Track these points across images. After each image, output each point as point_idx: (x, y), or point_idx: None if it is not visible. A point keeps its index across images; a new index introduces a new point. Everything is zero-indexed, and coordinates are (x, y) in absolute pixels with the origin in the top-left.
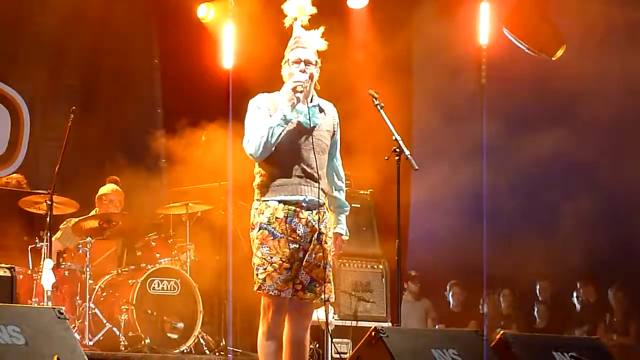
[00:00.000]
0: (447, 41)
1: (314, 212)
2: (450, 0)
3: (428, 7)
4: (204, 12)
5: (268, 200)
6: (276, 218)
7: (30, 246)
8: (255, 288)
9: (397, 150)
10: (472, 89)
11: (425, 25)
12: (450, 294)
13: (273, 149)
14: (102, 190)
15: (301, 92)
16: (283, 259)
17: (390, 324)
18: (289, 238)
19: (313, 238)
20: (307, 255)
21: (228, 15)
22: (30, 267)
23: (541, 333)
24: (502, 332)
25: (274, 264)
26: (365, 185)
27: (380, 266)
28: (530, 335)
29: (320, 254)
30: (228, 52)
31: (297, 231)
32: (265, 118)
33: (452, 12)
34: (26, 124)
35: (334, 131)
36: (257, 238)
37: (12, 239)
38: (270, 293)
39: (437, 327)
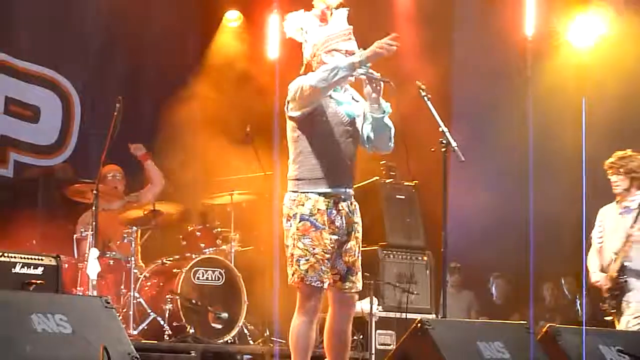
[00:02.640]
0: (492, 32)
1: (349, 203)
2: None
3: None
4: (233, 16)
5: (308, 192)
6: (318, 209)
7: (75, 235)
8: (296, 279)
9: (444, 141)
10: (516, 80)
11: (469, 15)
12: (494, 286)
13: (328, 93)
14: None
15: (383, 54)
16: (325, 251)
17: (434, 315)
18: (329, 229)
19: (350, 229)
20: (344, 245)
21: (273, 7)
22: (76, 256)
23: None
24: (548, 324)
25: (316, 255)
26: (409, 177)
27: (425, 257)
28: (576, 328)
29: (354, 242)
30: (274, 43)
31: (336, 222)
32: None
33: (496, 3)
34: (77, 113)
35: (363, 116)
36: (297, 229)
37: (57, 228)
38: (313, 284)
39: (480, 319)
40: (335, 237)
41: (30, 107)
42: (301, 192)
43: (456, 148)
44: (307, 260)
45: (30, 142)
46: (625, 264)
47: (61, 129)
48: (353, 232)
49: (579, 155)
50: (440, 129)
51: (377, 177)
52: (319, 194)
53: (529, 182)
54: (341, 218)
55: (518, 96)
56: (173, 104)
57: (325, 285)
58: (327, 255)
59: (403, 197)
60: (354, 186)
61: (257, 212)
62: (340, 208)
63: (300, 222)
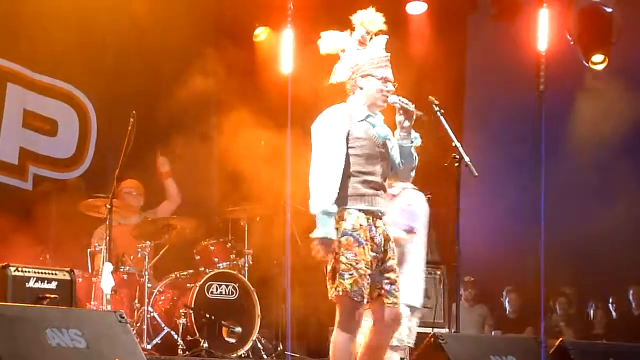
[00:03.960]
0: (505, 47)
1: (383, 220)
2: (508, 7)
3: (485, 13)
4: (258, 32)
5: (349, 208)
6: (360, 225)
7: (89, 249)
8: (339, 293)
9: (457, 156)
10: (529, 95)
11: (482, 31)
12: (507, 300)
13: None
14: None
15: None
16: (367, 266)
17: (447, 329)
18: (371, 245)
19: (387, 246)
20: (384, 262)
21: (287, 22)
22: (90, 271)
23: (600, 340)
24: (561, 339)
25: (359, 270)
26: (423, 191)
27: (438, 272)
28: (589, 342)
29: (394, 260)
30: (287, 58)
31: (375, 239)
32: (341, 153)
33: (509, 18)
34: (93, 127)
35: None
36: (340, 244)
37: (71, 242)
38: (355, 299)
39: (493, 333)
40: (374, 253)
41: (48, 120)
42: (342, 208)
43: (469, 163)
44: (350, 274)
45: (49, 155)
46: None
47: (78, 142)
48: (390, 250)
49: None
50: (454, 144)
51: None
52: (359, 210)
53: (540, 193)
54: (379, 235)
55: (531, 110)
56: (187, 118)
57: (366, 301)
58: (369, 272)
59: None
60: None
61: (271, 227)
62: (378, 225)
63: (343, 236)
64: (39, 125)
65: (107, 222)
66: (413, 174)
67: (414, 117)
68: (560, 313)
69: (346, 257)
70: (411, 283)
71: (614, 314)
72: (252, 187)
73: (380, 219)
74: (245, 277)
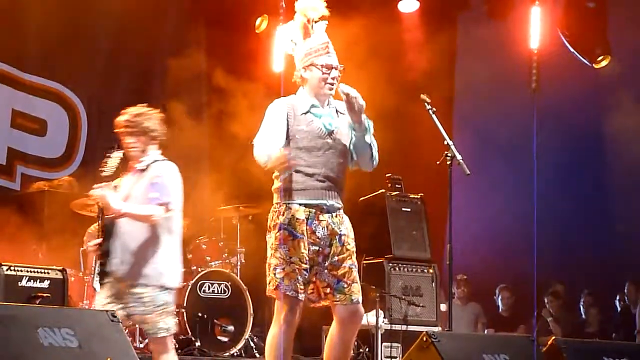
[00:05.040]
0: (497, 45)
1: (334, 214)
2: (500, 4)
3: (477, 11)
4: (258, 22)
5: (289, 203)
6: (296, 219)
7: (81, 248)
8: (272, 288)
9: (449, 155)
10: (521, 93)
11: (474, 29)
12: (499, 298)
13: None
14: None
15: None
16: (302, 260)
17: (440, 328)
18: (309, 239)
19: (334, 241)
20: (329, 257)
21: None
22: (82, 269)
23: (592, 338)
24: (553, 337)
25: (292, 265)
26: (415, 190)
27: (431, 270)
28: (581, 340)
29: (344, 255)
30: (279, 55)
31: (317, 233)
32: (281, 128)
33: (501, 16)
34: (84, 127)
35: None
36: (275, 239)
37: (64, 241)
38: (287, 293)
39: (486, 331)
40: (316, 247)
41: (37, 120)
42: (283, 203)
43: (461, 161)
44: (282, 269)
45: (38, 155)
46: None
47: (68, 142)
48: (339, 245)
49: None
50: (446, 142)
51: (383, 190)
52: (299, 204)
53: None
54: (323, 229)
55: (523, 108)
56: (179, 117)
57: (301, 297)
58: (305, 265)
59: (409, 209)
60: (361, 199)
61: (263, 225)
62: (322, 219)
63: (278, 231)
64: (28, 125)
65: (100, 221)
66: (374, 162)
67: (360, 105)
68: (553, 311)
69: (280, 252)
70: (168, 264)
71: (607, 312)
72: (244, 185)
73: (328, 212)
74: (237, 275)
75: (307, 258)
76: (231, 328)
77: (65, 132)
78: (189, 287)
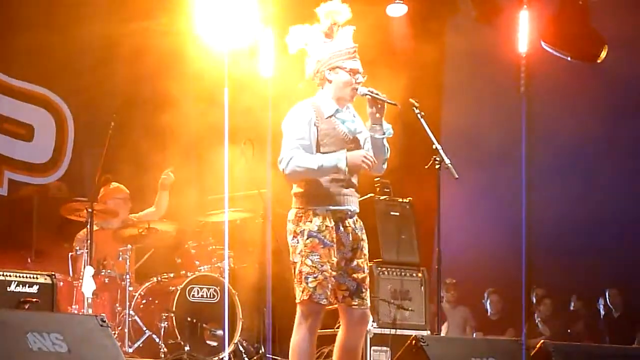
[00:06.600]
0: (485, 49)
1: (355, 219)
2: (489, 9)
3: (466, 16)
4: None
5: (315, 208)
6: (326, 226)
7: (70, 253)
8: (305, 297)
9: (437, 159)
10: (510, 97)
11: (463, 33)
12: (488, 301)
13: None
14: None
15: (364, 168)
16: (332, 268)
17: (429, 332)
18: (337, 246)
19: (356, 246)
20: (351, 262)
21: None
22: (71, 274)
23: (581, 342)
24: (542, 340)
25: (324, 272)
26: (404, 194)
27: (419, 274)
28: (570, 344)
29: (362, 259)
30: (268, 61)
31: (343, 240)
32: (311, 133)
33: (490, 20)
34: (70, 131)
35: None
36: (305, 246)
37: (52, 246)
38: (321, 302)
39: (474, 335)
40: (341, 254)
41: (24, 125)
42: (308, 209)
43: (450, 165)
44: (315, 277)
45: (25, 160)
46: None
47: (55, 147)
48: (359, 249)
49: None
50: (434, 147)
51: (372, 194)
52: (326, 210)
53: (521, 196)
54: (347, 235)
55: (511, 112)
56: (167, 122)
57: (328, 303)
58: (334, 273)
59: (398, 213)
60: None
61: (252, 230)
62: (347, 225)
63: (308, 238)
64: (15, 130)
65: (89, 226)
66: (385, 166)
67: (385, 108)
68: (542, 315)
69: (311, 260)
70: None
71: (595, 315)
72: (233, 190)
73: (351, 217)
74: (226, 280)
75: (335, 266)
76: (220, 332)
77: (52, 137)
78: (178, 291)
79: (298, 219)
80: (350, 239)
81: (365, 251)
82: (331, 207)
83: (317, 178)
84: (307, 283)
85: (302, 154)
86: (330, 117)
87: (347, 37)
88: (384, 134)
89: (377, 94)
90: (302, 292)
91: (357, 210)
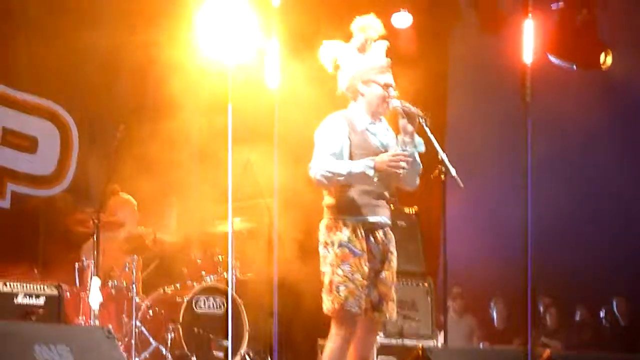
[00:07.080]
0: (489, 59)
1: (385, 231)
2: (493, 18)
3: (470, 25)
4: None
5: (346, 219)
6: (356, 236)
7: (77, 264)
8: (336, 306)
9: (443, 168)
10: (514, 107)
11: (467, 43)
12: (494, 311)
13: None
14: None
15: (394, 172)
16: (363, 277)
17: (435, 341)
18: (367, 257)
19: (385, 258)
20: (379, 274)
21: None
22: (78, 286)
23: (588, 351)
24: (549, 350)
25: (355, 282)
26: (410, 204)
27: (426, 284)
28: (577, 354)
29: (389, 271)
30: (274, 72)
31: (373, 251)
32: (343, 144)
33: (494, 30)
34: (75, 143)
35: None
36: (335, 256)
37: (59, 257)
38: (353, 310)
39: (481, 344)
40: (370, 264)
41: (27, 137)
42: (340, 219)
43: (455, 175)
44: (346, 286)
45: (28, 172)
46: None
47: (59, 159)
48: (387, 261)
49: None
50: (439, 156)
51: None
52: (356, 221)
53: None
54: (377, 246)
55: (516, 121)
56: (173, 133)
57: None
58: (365, 282)
59: (404, 223)
60: None
61: (258, 240)
62: (377, 236)
63: (338, 247)
64: (19, 143)
65: (95, 237)
66: (418, 180)
67: (417, 121)
68: (549, 324)
69: (342, 269)
70: None
71: (602, 324)
72: (239, 201)
73: (382, 229)
74: (233, 290)
75: (366, 275)
76: (227, 343)
77: (57, 149)
78: (185, 302)
79: (329, 229)
80: (380, 250)
81: (394, 264)
82: (361, 218)
83: (347, 189)
84: (338, 292)
85: (332, 161)
86: (362, 129)
87: (380, 52)
88: (415, 147)
89: (408, 108)
90: (333, 302)
91: (389, 222)
